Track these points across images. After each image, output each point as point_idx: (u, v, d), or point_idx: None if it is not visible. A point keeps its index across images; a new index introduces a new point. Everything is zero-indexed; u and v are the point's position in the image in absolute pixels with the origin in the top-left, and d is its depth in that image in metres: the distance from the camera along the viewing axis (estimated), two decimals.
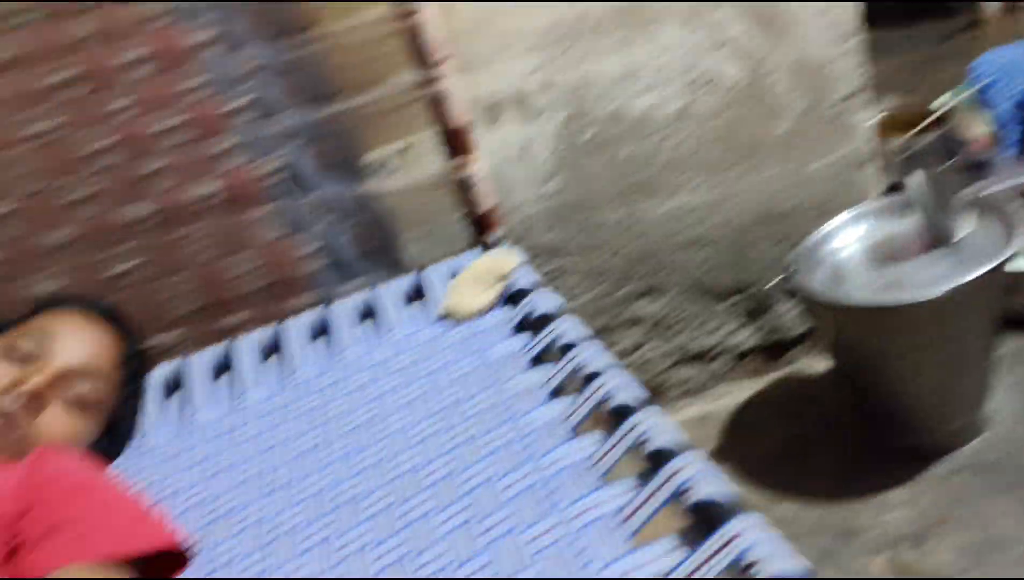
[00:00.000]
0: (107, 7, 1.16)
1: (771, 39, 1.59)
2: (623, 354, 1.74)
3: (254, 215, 1.28)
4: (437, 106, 1.28)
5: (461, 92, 1.29)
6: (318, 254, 1.31)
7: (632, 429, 0.80)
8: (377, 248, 1.33)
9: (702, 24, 1.56)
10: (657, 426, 0.79)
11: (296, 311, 1.31)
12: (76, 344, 0.95)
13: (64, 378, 0.92)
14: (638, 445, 0.78)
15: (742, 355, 1.79)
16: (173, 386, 1.17)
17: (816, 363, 1.79)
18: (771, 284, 1.55)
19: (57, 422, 0.91)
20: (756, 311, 1.75)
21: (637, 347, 1.74)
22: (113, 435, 1.02)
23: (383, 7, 1.23)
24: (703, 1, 1.54)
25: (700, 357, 1.77)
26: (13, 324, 0.98)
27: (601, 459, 0.80)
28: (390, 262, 1.34)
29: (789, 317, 1.76)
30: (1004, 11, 3.22)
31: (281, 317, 1.32)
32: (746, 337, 1.77)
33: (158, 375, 1.18)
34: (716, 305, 1.74)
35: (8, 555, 0.76)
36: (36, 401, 0.89)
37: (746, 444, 1.68)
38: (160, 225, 1.26)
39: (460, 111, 1.29)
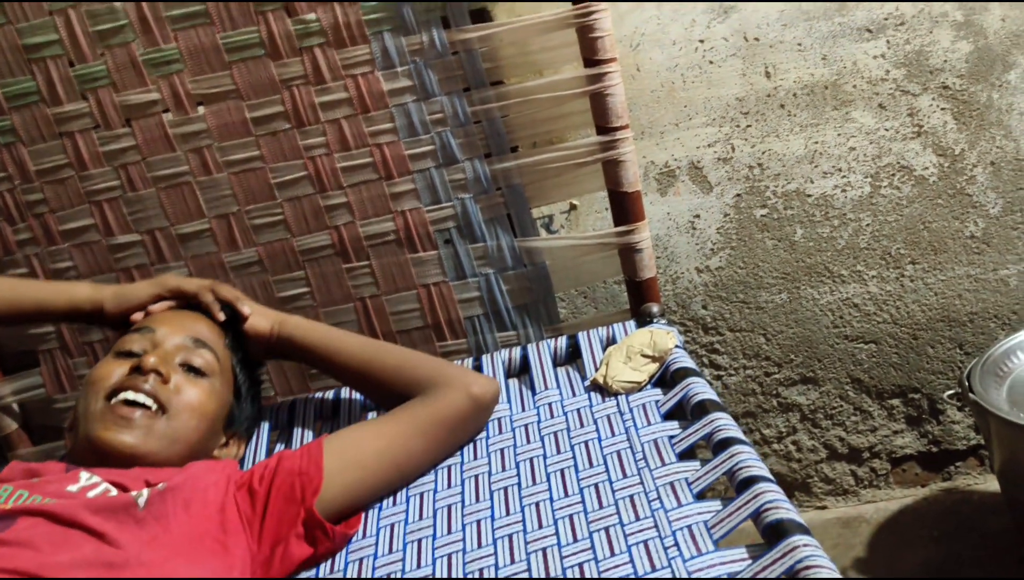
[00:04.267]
0: (317, 53, 1.23)
1: (973, 132, 1.49)
2: (769, 441, 1.66)
3: (421, 257, 1.31)
4: (611, 170, 1.27)
5: (636, 158, 1.28)
6: (476, 302, 1.33)
7: (785, 555, 0.75)
8: (534, 304, 1.33)
9: (900, 110, 1.48)
10: (815, 557, 0.74)
11: (448, 355, 1.33)
12: (172, 327, 1.04)
13: (174, 354, 1.01)
14: (793, 575, 0.74)
15: (899, 460, 1.67)
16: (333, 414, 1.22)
17: (981, 482, 1.65)
18: (948, 394, 1.44)
19: (185, 390, 0.98)
20: (921, 417, 1.64)
21: (785, 435, 1.66)
22: (241, 399, 1.08)
23: (573, 68, 1.24)
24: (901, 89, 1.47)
25: (853, 456, 1.67)
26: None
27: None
28: (545, 319, 1.34)
29: (957, 428, 1.63)
30: None
31: None
32: (907, 442, 1.66)
33: (316, 398, 1.22)
34: (877, 405, 1.64)
35: None
36: (160, 377, 0.97)
37: (893, 556, 1.56)
38: (334, 256, 1.31)
39: (633, 177, 1.28)
